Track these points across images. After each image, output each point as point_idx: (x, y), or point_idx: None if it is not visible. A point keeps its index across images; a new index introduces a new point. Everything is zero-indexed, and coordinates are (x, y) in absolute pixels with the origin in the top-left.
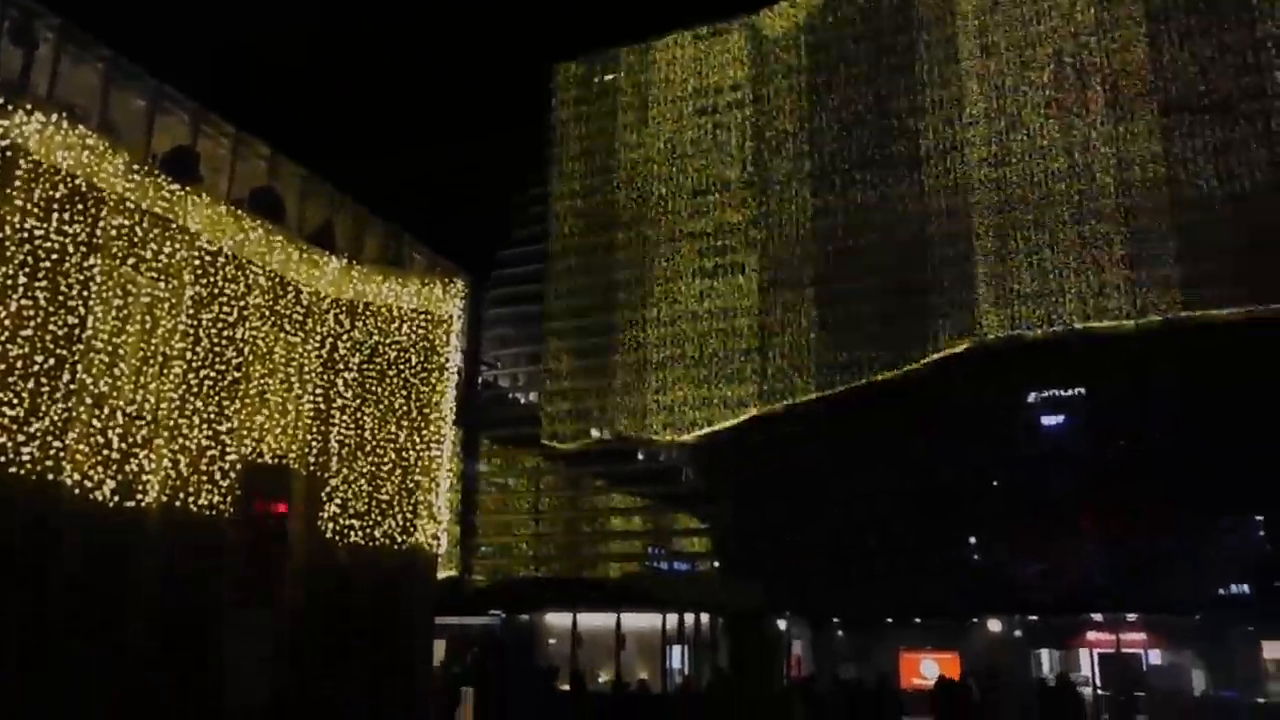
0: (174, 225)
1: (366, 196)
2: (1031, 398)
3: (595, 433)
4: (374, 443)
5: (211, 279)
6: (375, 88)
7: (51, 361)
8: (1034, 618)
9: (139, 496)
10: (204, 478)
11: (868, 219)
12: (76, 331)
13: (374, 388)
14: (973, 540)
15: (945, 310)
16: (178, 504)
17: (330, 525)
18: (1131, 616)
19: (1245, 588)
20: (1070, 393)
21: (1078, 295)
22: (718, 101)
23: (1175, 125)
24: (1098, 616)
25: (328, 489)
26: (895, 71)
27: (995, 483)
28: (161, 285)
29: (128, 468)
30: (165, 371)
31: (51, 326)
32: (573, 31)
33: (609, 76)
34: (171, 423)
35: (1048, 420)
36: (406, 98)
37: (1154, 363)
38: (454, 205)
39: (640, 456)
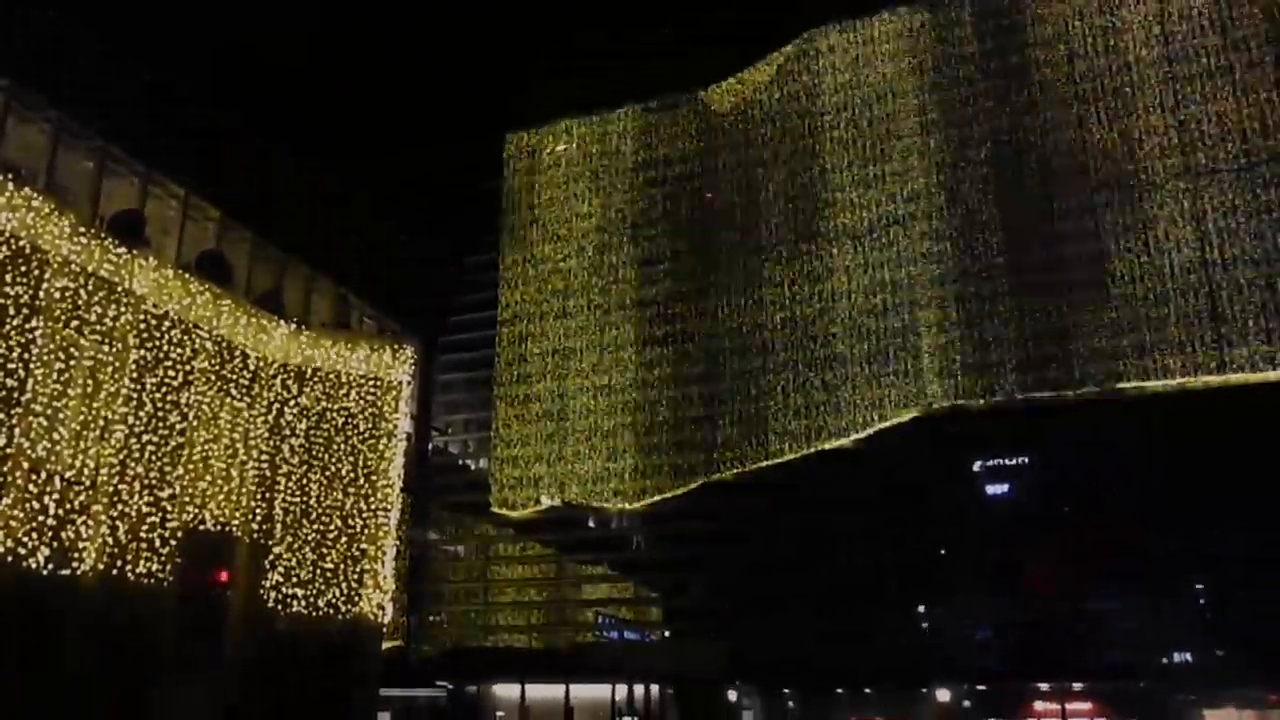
0: (119, 288)
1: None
2: (977, 466)
3: (546, 500)
4: (320, 510)
5: (156, 343)
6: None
7: None
8: (983, 687)
9: (74, 565)
10: (143, 545)
11: (812, 290)
12: (15, 395)
13: (320, 454)
14: (921, 609)
15: (890, 380)
16: (115, 572)
17: (273, 594)
18: (1078, 685)
19: (1188, 655)
20: (1014, 461)
21: (1017, 366)
22: (667, 173)
23: (1106, 202)
24: (1044, 685)
25: (271, 557)
26: (838, 145)
27: (943, 551)
28: (105, 349)
29: (64, 534)
30: (106, 436)
31: None
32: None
33: (560, 147)
34: (111, 489)
35: (993, 488)
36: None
37: (1098, 430)
38: (404, 263)
39: (591, 524)
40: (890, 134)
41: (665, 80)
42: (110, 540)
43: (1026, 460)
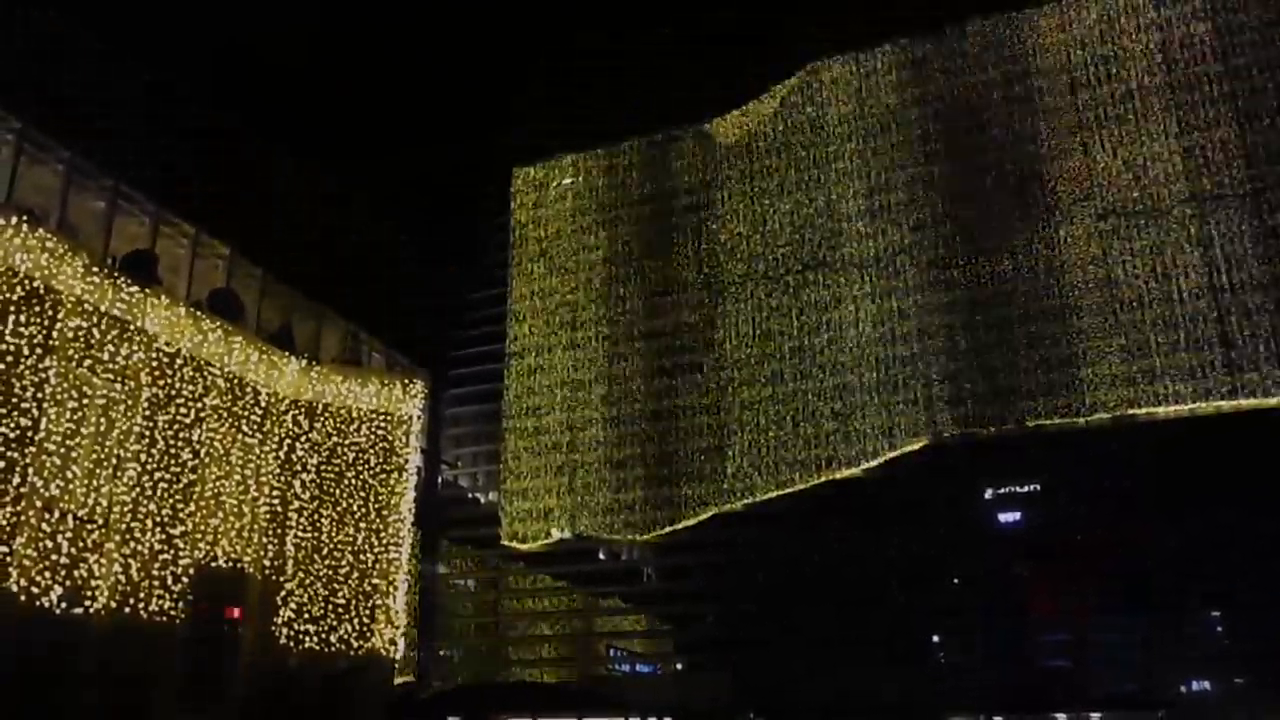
0: (132, 327)
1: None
2: (988, 494)
3: (556, 533)
4: (331, 545)
5: (169, 380)
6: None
7: (1, 465)
8: (998, 718)
9: (87, 603)
10: (155, 583)
11: (820, 319)
12: (29, 434)
13: (332, 489)
14: (935, 639)
15: (900, 409)
16: (127, 610)
17: (285, 630)
18: (1095, 716)
19: (1206, 684)
20: (1026, 489)
21: (1027, 394)
22: (672, 205)
23: (1113, 229)
24: (1061, 716)
25: (283, 593)
26: (844, 176)
27: (955, 580)
28: (117, 387)
29: (76, 573)
30: (119, 474)
31: (2, 429)
32: (527, 138)
33: (566, 181)
34: (123, 526)
35: (1005, 516)
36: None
37: (1109, 457)
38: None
39: (602, 556)
40: (895, 164)
41: (670, 112)
42: (123, 578)
43: (1038, 487)
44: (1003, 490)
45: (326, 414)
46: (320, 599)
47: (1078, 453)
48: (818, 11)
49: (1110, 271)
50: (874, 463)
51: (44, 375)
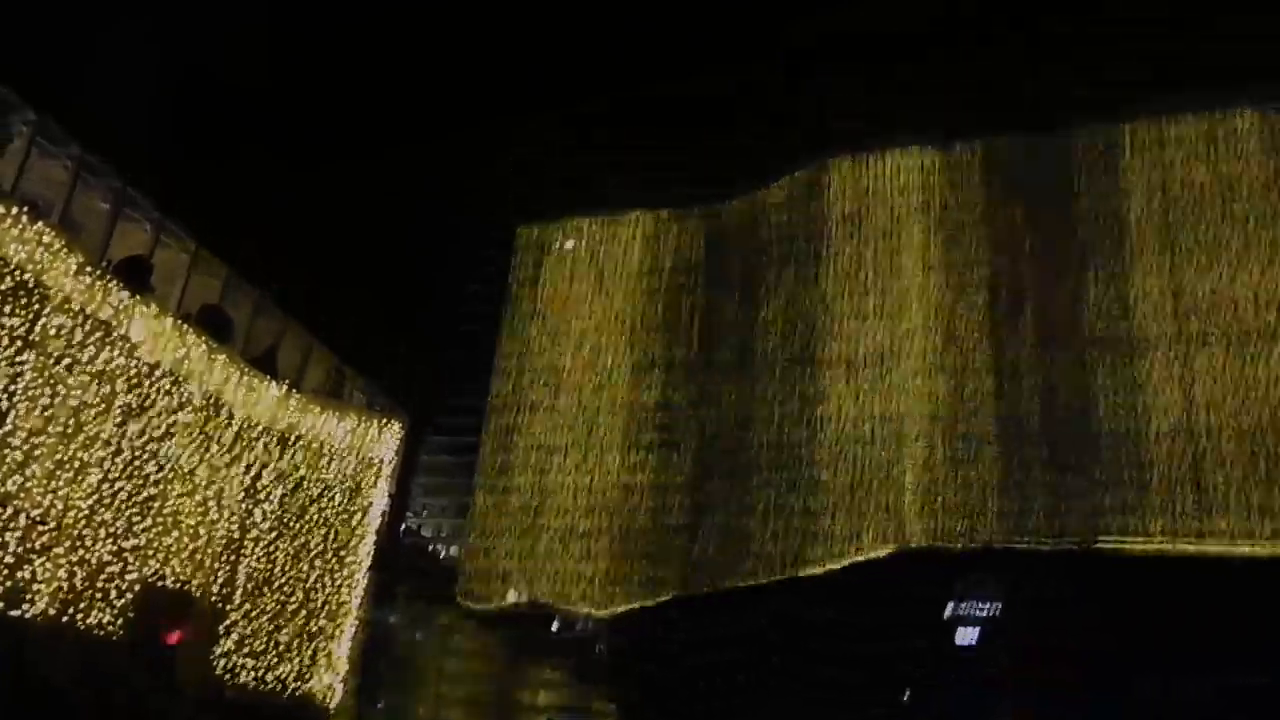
0: (116, 332)
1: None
2: (949, 610)
3: (513, 595)
4: (283, 580)
5: (144, 391)
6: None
7: None
8: None
9: (25, 607)
10: (99, 595)
11: (804, 413)
12: None
13: (293, 522)
14: None
15: (871, 513)
16: (64, 619)
17: (223, 662)
18: None
19: None
20: (987, 607)
21: (999, 512)
22: (671, 281)
23: (1098, 359)
24: None
25: (227, 623)
26: (840, 274)
27: (906, 695)
28: (92, 391)
29: (19, 574)
30: (79, 479)
31: None
32: (533, 198)
33: (569, 244)
34: (75, 533)
35: (964, 634)
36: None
37: (1075, 585)
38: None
39: (556, 625)
40: (892, 269)
41: (679, 188)
42: (66, 586)
43: (1000, 607)
44: (964, 606)
45: (299, 445)
46: (264, 634)
47: (1044, 577)
48: (840, 106)
49: (1092, 400)
50: (839, 565)
51: (20, 369)
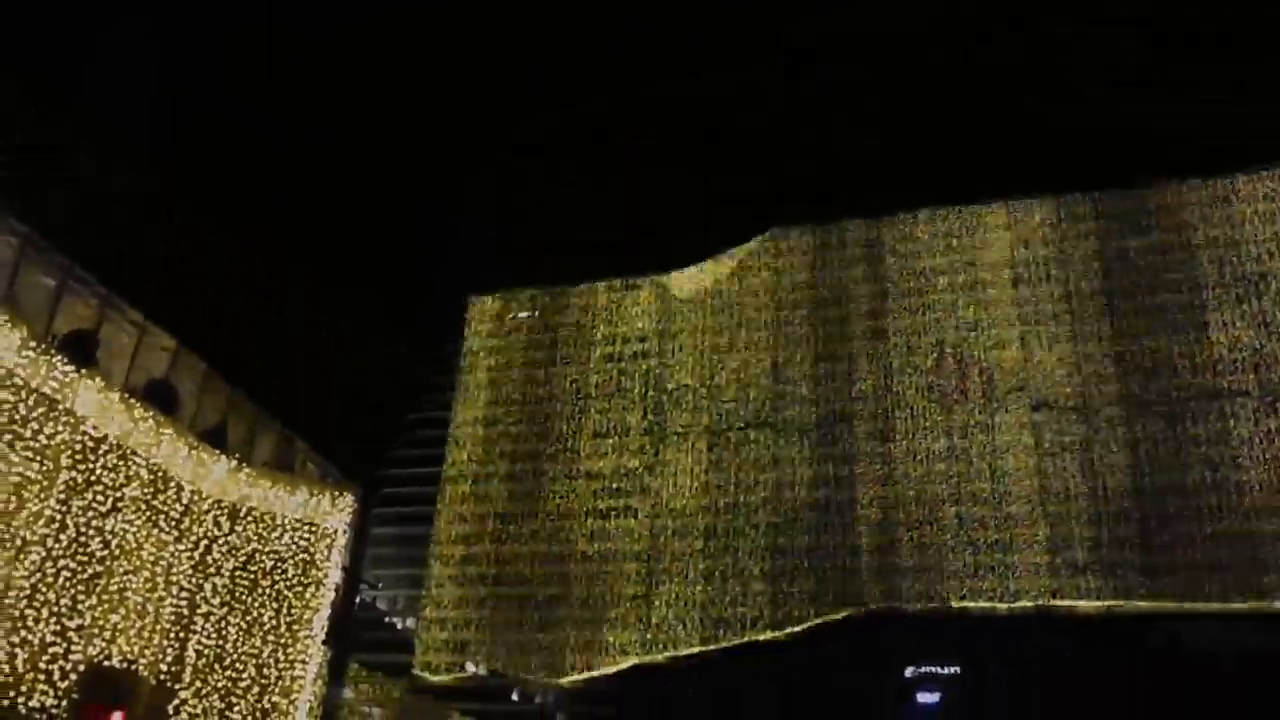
0: (60, 407)
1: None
2: (909, 672)
3: (471, 667)
4: (235, 656)
5: (90, 466)
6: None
7: None
8: None
9: None
10: (41, 676)
11: (758, 478)
12: None
13: (244, 597)
14: None
15: (828, 576)
16: (5, 703)
17: None
18: None
19: None
20: (947, 670)
21: (954, 574)
22: (624, 350)
23: (1045, 421)
24: None
25: (176, 701)
26: (791, 341)
27: None
28: (35, 466)
29: None
30: (20, 557)
31: None
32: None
33: (522, 314)
34: (16, 613)
35: (923, 697)
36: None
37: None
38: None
39: (515, 697)
40: (843, 335)
41: (631, 259)
42: (7, 668)
43: (958, 670)
44: (924, 669)
45: (249, 518)
46: (215, 712)
47: (1000, 639)
48: (790, 179)
49: (1040, 462)
50: (798, 628)
51: None
